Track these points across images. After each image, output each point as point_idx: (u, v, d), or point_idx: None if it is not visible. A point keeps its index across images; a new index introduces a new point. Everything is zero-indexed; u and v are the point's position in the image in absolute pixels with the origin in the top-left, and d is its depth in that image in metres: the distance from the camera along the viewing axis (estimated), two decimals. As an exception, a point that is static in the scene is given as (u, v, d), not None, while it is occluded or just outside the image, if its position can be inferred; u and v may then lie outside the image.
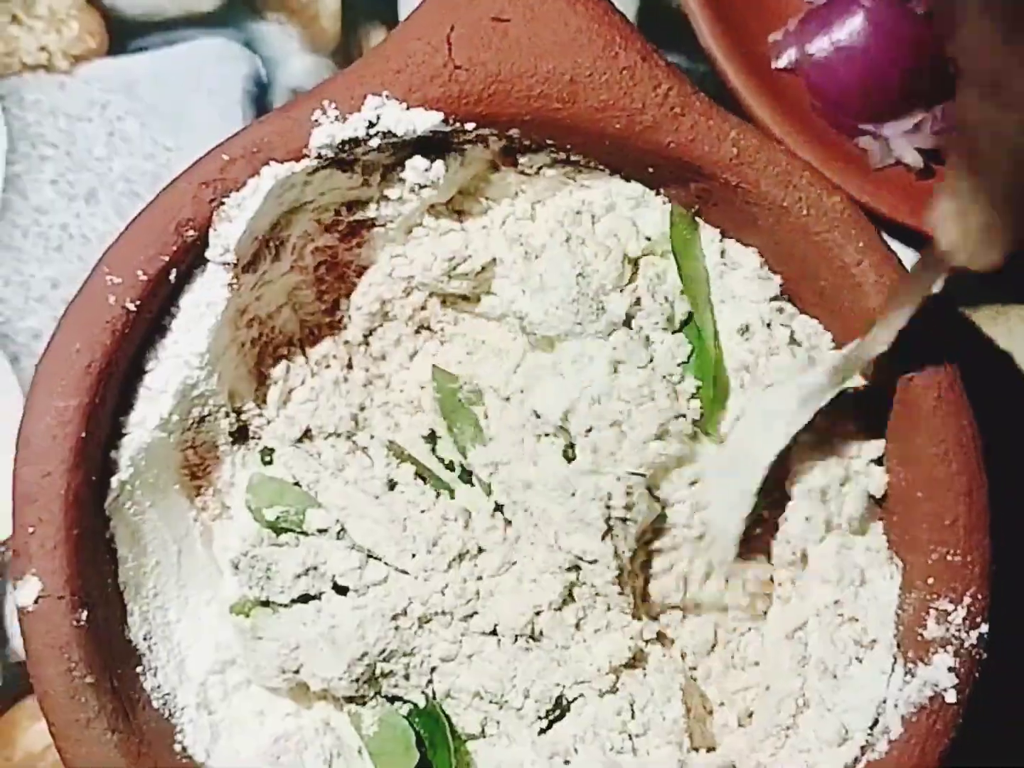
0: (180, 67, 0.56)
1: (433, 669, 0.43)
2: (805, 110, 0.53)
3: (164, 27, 0.56)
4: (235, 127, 0.55)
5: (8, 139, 0.56)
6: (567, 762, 0.42)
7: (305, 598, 0.43)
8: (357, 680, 0.43)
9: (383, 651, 0.42)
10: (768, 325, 0.44)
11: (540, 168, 0.44)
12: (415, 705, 0.43)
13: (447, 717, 0.43)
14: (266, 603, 0.43)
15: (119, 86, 0.56)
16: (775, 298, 0.44)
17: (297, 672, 0.43)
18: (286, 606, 0.43)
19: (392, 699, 0.43)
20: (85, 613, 0.40)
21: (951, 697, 0.40)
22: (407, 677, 0.43)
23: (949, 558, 0.40)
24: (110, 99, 0.56)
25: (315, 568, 0.43)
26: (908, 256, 0.55)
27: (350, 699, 0.43)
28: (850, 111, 0.53)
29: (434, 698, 0.43)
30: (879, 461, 0.43)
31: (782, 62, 0.54)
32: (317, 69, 0.56)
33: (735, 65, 0.52)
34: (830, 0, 0.53)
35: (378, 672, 0.43)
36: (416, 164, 0.42)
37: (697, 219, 0.44)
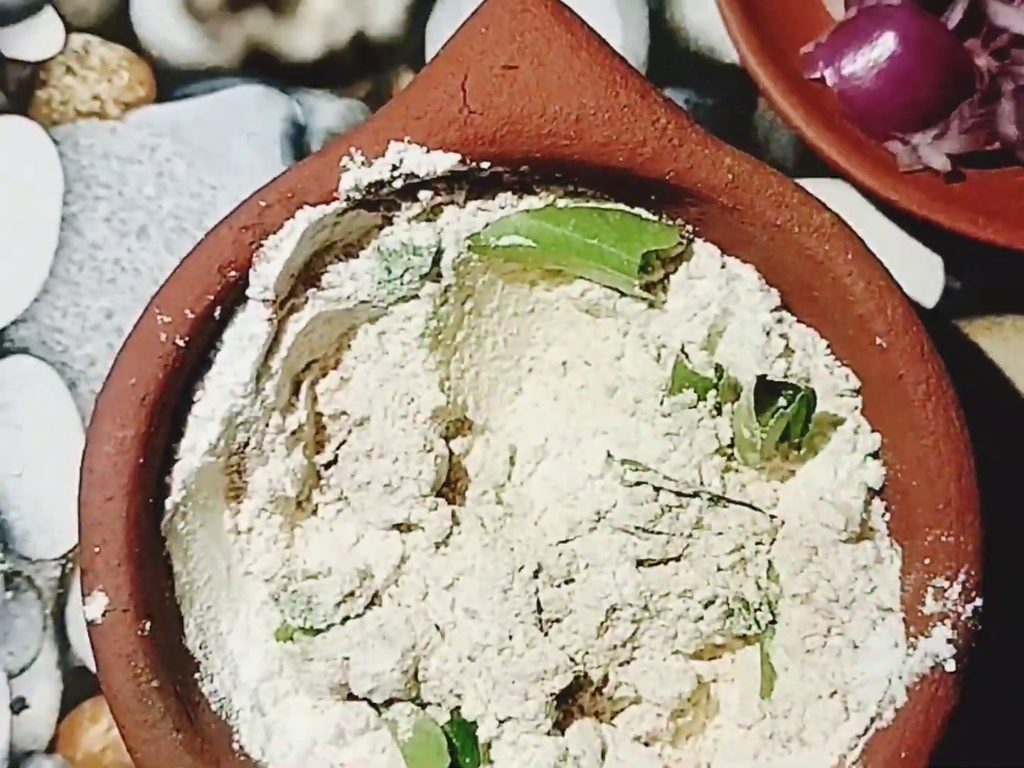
0: (222, 111, 0.60)
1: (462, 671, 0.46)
2: (836, 115, 0.56)
3: (207, 75, 0.60)
4: (274, 166, 0.59)
5: (64, 181, 0.60)
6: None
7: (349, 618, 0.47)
8: (406, 672, 0.46)
9: (428, 643, 0.46)
10: (768, 334, 0.47)
11: (553, 200, 0.47)
12: (451, 711, 0.46)
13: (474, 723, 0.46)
14: (309, 630, 0.46)
15: (167, 130, 0.60)
16: (775, 308, 0.47)
17: (346, 684, 0.46)
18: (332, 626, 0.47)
19: (424, 705, 0.47)
20: (148, 624, 0.43)
21: (951, 666, 0.43)
22: (442, 679, 0.46)
23: (943, 539, 0.44)
24: (158, 143, 0.60)
25: (352, 594, 0.46)
26: (935, 260, 0.58)
27: (388, 703, 0.47)
28: (880, 121, 0.55)
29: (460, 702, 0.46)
30: (875, 455, 0.46)
31: (814, 74, 0.56)
32: (349, 111, 0.60)
33: (768, 72, 0.54)
34: (859, 14, 0.55)
35: (420, 671, 0.46)
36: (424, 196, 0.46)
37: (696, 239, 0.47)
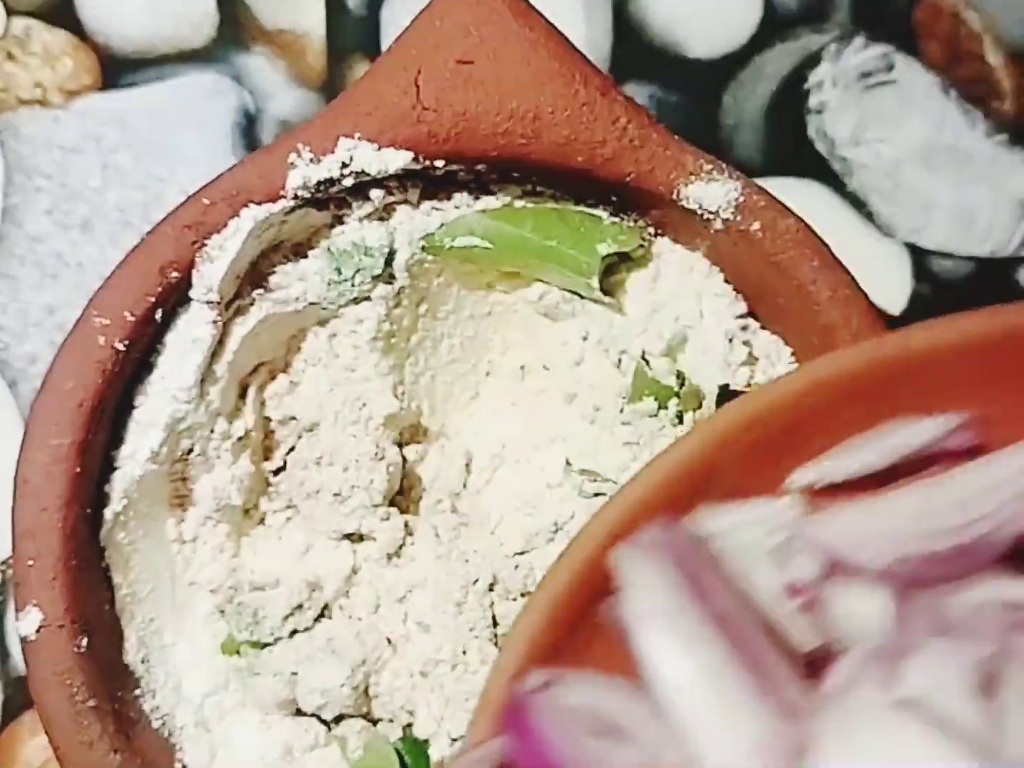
0: (171, 101, 0.58)
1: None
2: None
3: (155, 63, 0.58)
4: (224, 157, 0.57)
5: (4, 171, 0.58)
6: None
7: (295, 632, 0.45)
8: (356, 687, 0.44)
9: (379, 658, 0.44)
10: (731, 341, 0.45)
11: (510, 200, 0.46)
12: (403, 728, 0.45)
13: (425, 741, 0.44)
14: (256, 644, 0.45)
15: (112, 120, 0.58)
16: (741, 315, 0.46)
17: (294, 700, 0.45)
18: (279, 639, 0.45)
19: (375, 722, 0.45)
20: (85, 640, 0.42)
21: None
22: (393, 695, 0.44)
23: None
24: (104, 132, 0.58)
25: (300, 606, 0.45)
26: (904, 262, 0.57)
27: (338, 720, 0.45)
28: None
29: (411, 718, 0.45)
30: None
31: None
32: (304, 102, 0.58)
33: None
34: None
35: (371, 686, 0.45)
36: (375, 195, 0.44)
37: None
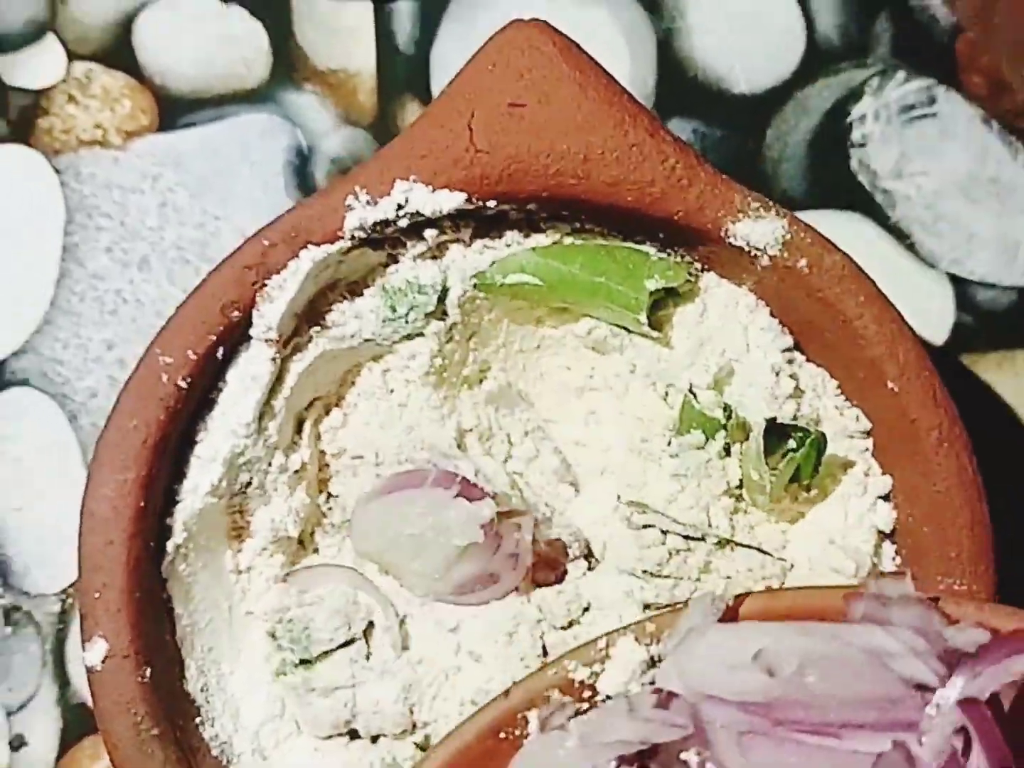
0: (226, 141, 0.60)
1: None
2: None
3: (211, 104, 0.60)
4: (277, 196, 0.59)
5: (66, 211, 0.59)
6: None
7: (348, 643, 0.46)
8: (407, 711, 0.45)
9: (431, 684, 0.45)
10: (777, 374, 0.46)
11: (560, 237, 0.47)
12: None
13: None
14: (308, 661, 0.46)
15: (169, 160, 0.60)
16: (787, 349, 0.47)
17: (351, 720, 0.46)
18: (331, 652, 0.46)
19: (425, 748, 0.46)
20: (148, 670, 0.43)
21: None
22: (444, 722, 0.45)
23: (956, 587, 0.43)
24: (161, 172, 0.60)
25: (348, 620, 0.45)
26: (946, 293, 0.57)
27: (388, 742, 0.46)
28: None
29: None
30: (886, 498, 0.45)
31: None
32: (355, 141, 0.59)
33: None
34: None
35: (423, 711, 0.46)
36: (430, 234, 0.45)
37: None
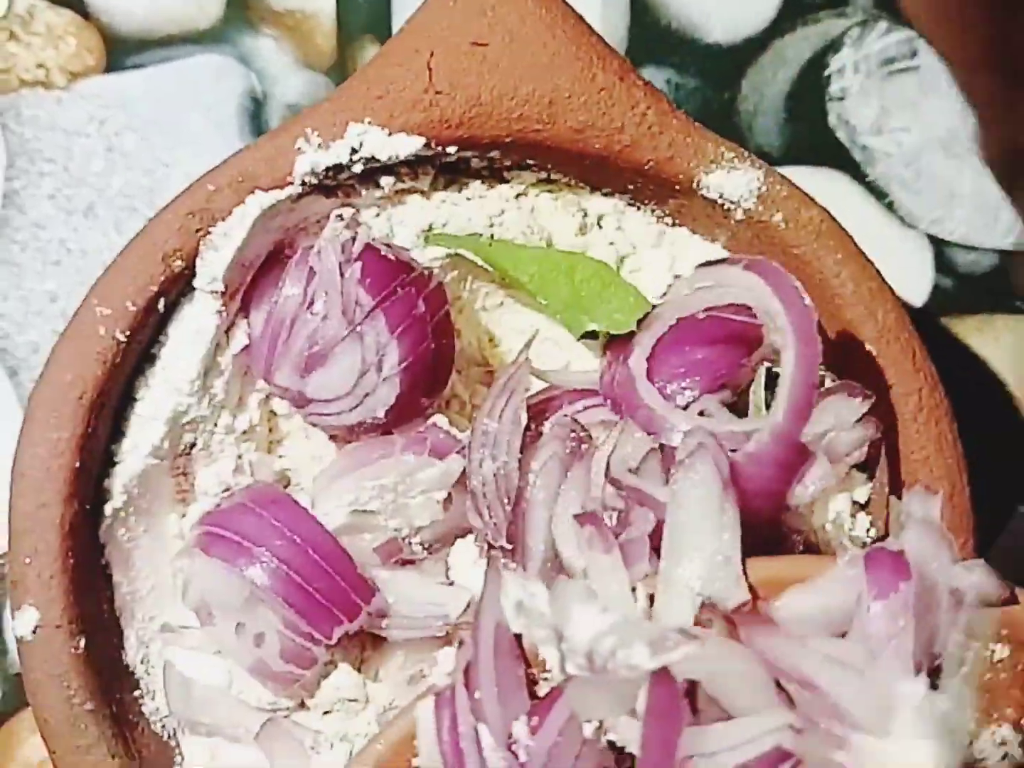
0: (177, 83, 0.57)
1: None
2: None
3: (161, 44, 0.57)
4: (231, 142, 0.56)
5: (6, 155, 0.56)
6: None
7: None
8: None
9: None
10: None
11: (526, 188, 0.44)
12: None
13: None
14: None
15: (116, 102, 0.57)
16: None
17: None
18: None
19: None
20: (83, 640, 0.40)
21: None
22: None
23: None
24: (108, 115, 0.57)
25: None
26: (926, 256, 0.55)
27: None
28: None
29: None
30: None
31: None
32: (312, 85, 0.57)
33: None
34: None
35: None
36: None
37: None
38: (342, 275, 0.40)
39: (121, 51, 0.57)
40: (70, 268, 0.56)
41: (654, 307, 0.42)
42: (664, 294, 0.44)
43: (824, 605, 0.34)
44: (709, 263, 0.42)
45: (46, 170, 0.56)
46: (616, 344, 0.42)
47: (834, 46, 0.58)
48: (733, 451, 0.37)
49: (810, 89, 0.58)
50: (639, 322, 0.41)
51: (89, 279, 0.54)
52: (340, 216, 0.41)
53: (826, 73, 0.58)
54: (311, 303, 0.40)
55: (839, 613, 0.34)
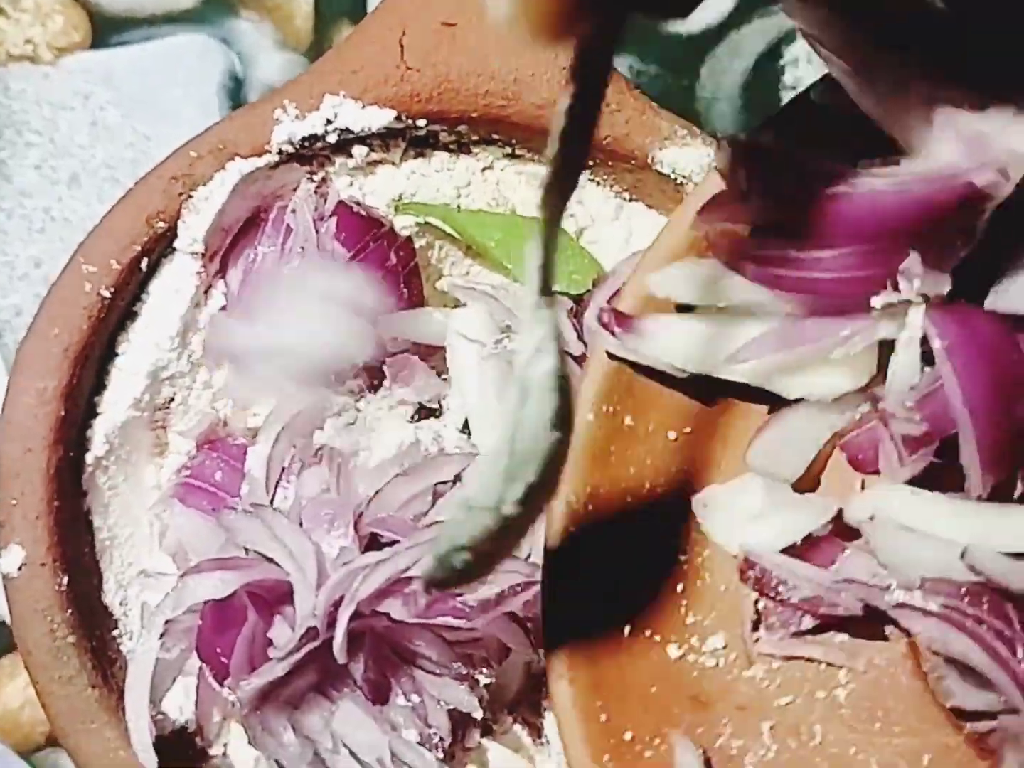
0: (160, 61, 0.59)
1: None
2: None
3: (145, 23, 0.59)
4: (211, 119, 0.58)
5: (-6, 126, 0.58)
6: None
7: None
8: None
9: None
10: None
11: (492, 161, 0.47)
12: None
13: None
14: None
15: (101, 78, 0.59)
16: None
17: None
18: None
19: None
20: (66, 579, 0.43)
21: None
22: None
23: None
24: (93, 90, 0.59)
25: None
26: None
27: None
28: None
29: None
30: None
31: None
32: (290, 65, 0.59)
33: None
34: None
35: None
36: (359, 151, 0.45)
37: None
38: (317, 231, 0.42)
39: (107, 29, 0.59)
40: (54, 235, 0.58)
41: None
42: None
43: None
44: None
45: (32, 141, 0.58)
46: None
47: (789, 37, 0.61)
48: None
49: (765, 78, 0.60)
50: (593, 282, 0.44)
51: (72, 246, 0.56)
52: (311, 178, 0.44)
53: (780, 63, 0.61)
54: (288, 258, 0.43)
55: None
